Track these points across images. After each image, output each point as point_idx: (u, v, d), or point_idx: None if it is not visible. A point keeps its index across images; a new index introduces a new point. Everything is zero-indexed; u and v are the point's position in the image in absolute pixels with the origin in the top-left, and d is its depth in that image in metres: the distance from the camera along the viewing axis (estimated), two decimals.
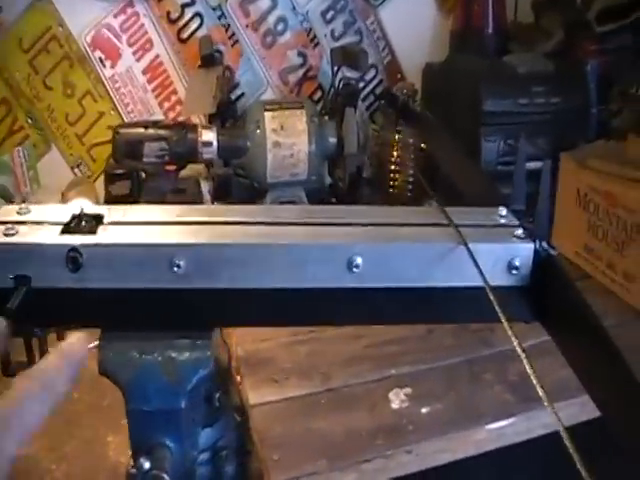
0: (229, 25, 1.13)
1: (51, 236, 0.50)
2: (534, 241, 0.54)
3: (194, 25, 1.13)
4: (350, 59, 1.01)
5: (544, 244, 0.56)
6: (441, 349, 0.87)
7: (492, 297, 0.47)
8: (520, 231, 0.55)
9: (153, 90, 1.14)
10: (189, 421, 0.56)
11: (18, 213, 0.53)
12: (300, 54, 1.18)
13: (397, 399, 0.79)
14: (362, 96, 1.22)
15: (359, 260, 0.50)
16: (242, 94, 1.14)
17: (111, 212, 0.54)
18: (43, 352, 0.54)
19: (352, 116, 1.02)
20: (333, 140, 1.05)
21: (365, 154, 1.10)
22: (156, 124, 0.89)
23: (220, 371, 0.84)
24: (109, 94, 1.12)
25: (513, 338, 0.43)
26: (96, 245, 0.49)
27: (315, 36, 1.18)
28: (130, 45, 1.11)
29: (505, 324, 0.45)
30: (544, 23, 1.19)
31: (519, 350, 0.42)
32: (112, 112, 1.12)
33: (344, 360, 0.85)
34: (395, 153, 1.17)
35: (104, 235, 0.50)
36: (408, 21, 1.20)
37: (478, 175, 0.68)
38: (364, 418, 0.76)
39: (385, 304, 0.52)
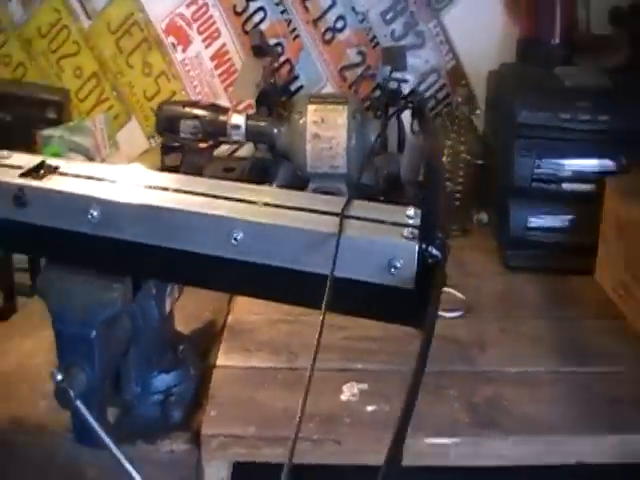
0: (291, 20, 1.24)
1: (9, 177, 0.64)
2: (420, 243, 0.58)
3: (257, 18, 1.25)
4: (391, 59, 1.07)
5: (431, 248, 0.60)
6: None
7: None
8: (408, 231, 0.59)
9: (219, 75, 1.28)
10: (105, 352, 0.68)
11: (2, 157, 0.67)
12: (359, 52, 1.25)
13: (349, 392, 0.84)
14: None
15: (240, 234, 0.59)
16: (301, 87, 1.24)
17: (70, 165, 0.67)
18: None
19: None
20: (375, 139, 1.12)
21: (400, 156, 1.15)
22: (194, 104, 1.02)
23: (211, 332, 0.95)
24: (180, 76, 1.28)
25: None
26: (35, 188, 0.62)
27: (375, 36, 1.25)
28: (200, 33, 1.26)
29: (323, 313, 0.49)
30: (614, 35, 1.16)
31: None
32: (183, 92, 1.28)
33: None
34: (445, 160, 1.22)
35: (46, 182, 0.63)
36: (474, 27, 1.23)
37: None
38: (309, 401, 0.81)
39: (257, 278, 0.60)
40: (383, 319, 0.61)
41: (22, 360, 0.89)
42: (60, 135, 1.12)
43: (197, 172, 1.06)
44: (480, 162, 1.19)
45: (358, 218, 0.61)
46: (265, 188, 0.66)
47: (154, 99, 1.29)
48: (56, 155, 1.10)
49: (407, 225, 0.60)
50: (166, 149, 1.12)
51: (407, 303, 0.57)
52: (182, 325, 0.88)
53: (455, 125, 1.21)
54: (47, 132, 1.11)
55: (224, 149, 1.29)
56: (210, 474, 0.82)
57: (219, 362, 0.88)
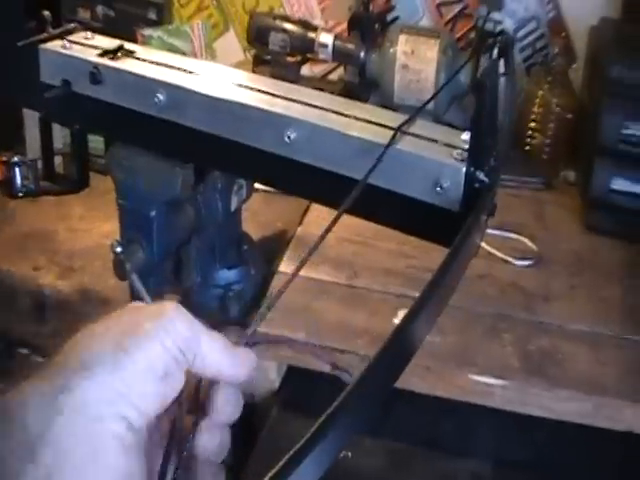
0: None
1: (88, 55, 0.68)
2: (468, 166, 0.58)
3: None
4: None
5: (479, 173, 0.60)
6: (480, 296, 0.90)
7: None
8: (458, 152, 0.60)
9: None
10: (165, 234, 0.72)
11: (85, 38, 0.72)
12: None
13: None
14: (521, 47, 1.24)
15: (294, 133, 0.61)
16: (397, 17, 1.23)
17: (144, 51, 0.70)
18: None
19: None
20: (465, 79, 1.10)
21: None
22: (285, 18, 1.04)
23: (280, 241, 0.99)
24: None
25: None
26: (109, 67, 0.66)
27: None
28: None
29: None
30: None
31: None
32: (280, 9, 1.29)
33: (382, 269, 0.95)
34: (535, 110, 1.19)
35: (120, 63, 0.67)
36: None
37: None
38: (361, 319, 0.85)
39: (305, 178, 0.62)
40: (424, 237, 0.62)
41: (100, 240, 0.96)
42: (159, 36, 1.17)
43: None
44: (569, 116, 1.16)
45: (412, 134, 0.61)
46: (332, 96, 0.67)
47: None
48: None
49: (460, 148, 0.60)
50: (257, 61, 1.15)
51: (451, 225, 0.54)
52: (254, 230, 0.93)
53: (550, 76, 1.18)
54: (147, 32, 1.16)
55: (317, 70, 1.31)
56: (260, 374, 0.88)
57: (281, 268, 0.92)
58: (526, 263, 0.97)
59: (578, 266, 0.98)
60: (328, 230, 0.45)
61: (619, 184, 1.06)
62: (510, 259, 0.97)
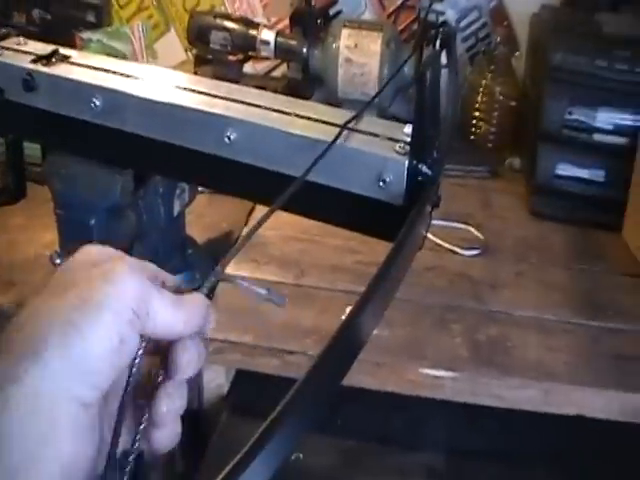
0: None
1: (20, 61, 0.66)
2: (410, 159, 0.58)
3: None
4: None
5: (422, 166, 0.60)
6: (429, 288, 0.91)
7: None
8: (400, 146, 0.60)
9: None
10: (105, 242, 0.71)
11: (17, 44, 0.70)
12: None
13: None
14: (463, 36, 1.26)
15: (234, 134, 0.60)
16: (340, 11, 1.24)
17: (80, 55, 0.69)
18: None
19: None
20: (409, 71, 1.11)
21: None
22: (226, 16, 1.04)
23: (226, 242, 0.98)
24: None
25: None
26: (43, 74, 0.65)
27: None
28: None
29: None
30: None
31: None
32: (222, 7, 1.28)
33: (329, 266, 0.95)
34: (479, 99, 1.21)
35: (54, 68, 0.65)
36: None
37: None
38: (310, 317, 0.84)
39: (248, 179, 0.61)
40: (369, 233, 0.62)
41: (41, 251, 0.93)
42: (98, 39, 1.15)
43: None
44: (513, 103, 1.18)
45: (354, 130, 0.61)
46: (273, 95, 0.66)
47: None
48: None
49: (402, 141, 0.60)
50: (199, 61, 1.14)
51: (396, 220, 0.54)
52: (199, 232, 0.92)
53: (493, 65, 1.20)
54: (86, 35, 1.14)
55: (260, 68, 1.30)
56: (208, 379, 0.88)
57: (227, 271, 0.90)
58: (474, 252, 0.98)
59: (525, 253, 0.99)
60: (260, 224, 0.45)
61: (564, 169, 1.08)
62: (457, 249, 0.98)
